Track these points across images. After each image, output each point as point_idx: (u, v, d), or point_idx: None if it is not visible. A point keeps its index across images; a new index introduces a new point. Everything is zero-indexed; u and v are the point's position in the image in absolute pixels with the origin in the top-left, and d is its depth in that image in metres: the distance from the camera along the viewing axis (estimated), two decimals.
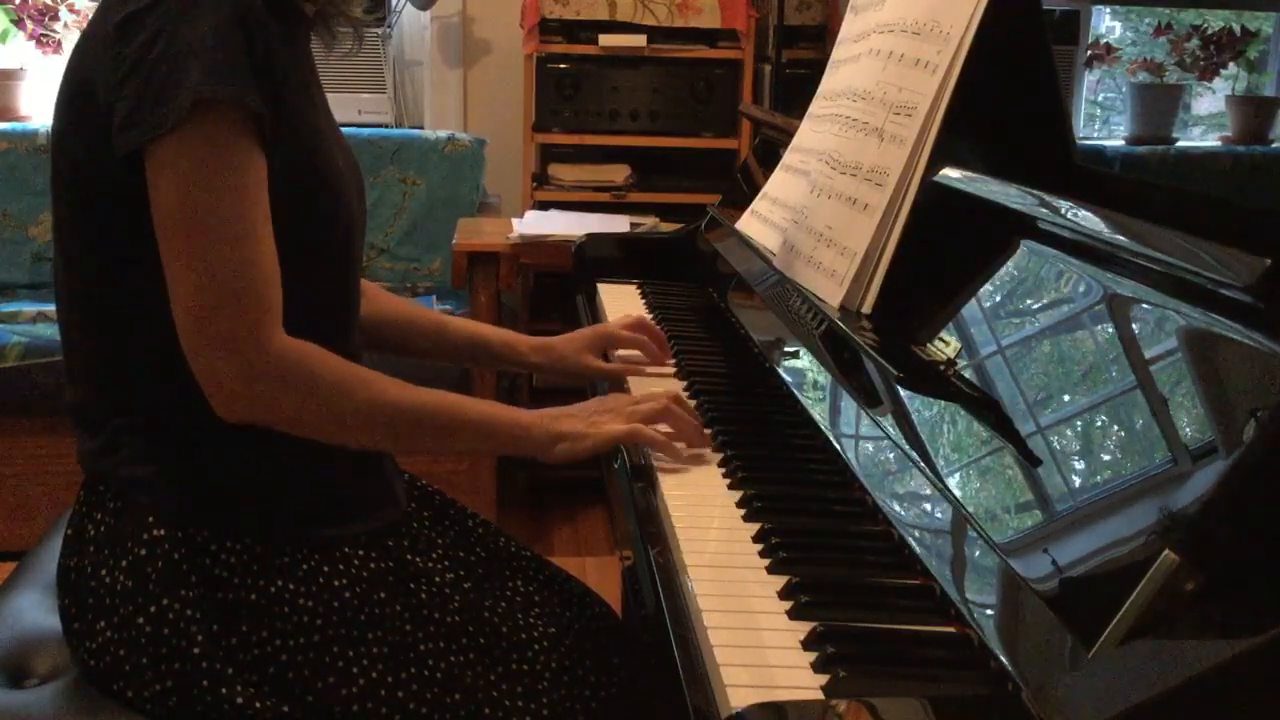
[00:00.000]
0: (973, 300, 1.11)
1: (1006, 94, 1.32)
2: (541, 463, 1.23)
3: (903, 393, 1.10)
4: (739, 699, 0.81)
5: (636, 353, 1.58)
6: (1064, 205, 1.02)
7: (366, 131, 3.29)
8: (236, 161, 1.05)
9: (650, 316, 1.84)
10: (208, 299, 1.05)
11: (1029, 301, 1.05)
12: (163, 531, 1.12)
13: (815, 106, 1.58)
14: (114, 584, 1.13)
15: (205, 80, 1.02)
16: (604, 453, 1.23)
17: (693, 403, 1.42)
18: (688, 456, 1.24)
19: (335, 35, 1.25)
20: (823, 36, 3.31)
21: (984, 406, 0.99)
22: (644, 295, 1.96)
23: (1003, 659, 0.81)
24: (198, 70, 1.02)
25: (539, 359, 1.54)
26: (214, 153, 1.04)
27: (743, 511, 1.12)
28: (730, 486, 1.18)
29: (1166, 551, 0.70)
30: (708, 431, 1.29)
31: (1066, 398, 0.92)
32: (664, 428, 1.25)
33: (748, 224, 1.69)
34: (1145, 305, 0.89)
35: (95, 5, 1.13)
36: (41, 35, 3.39)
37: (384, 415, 1.14)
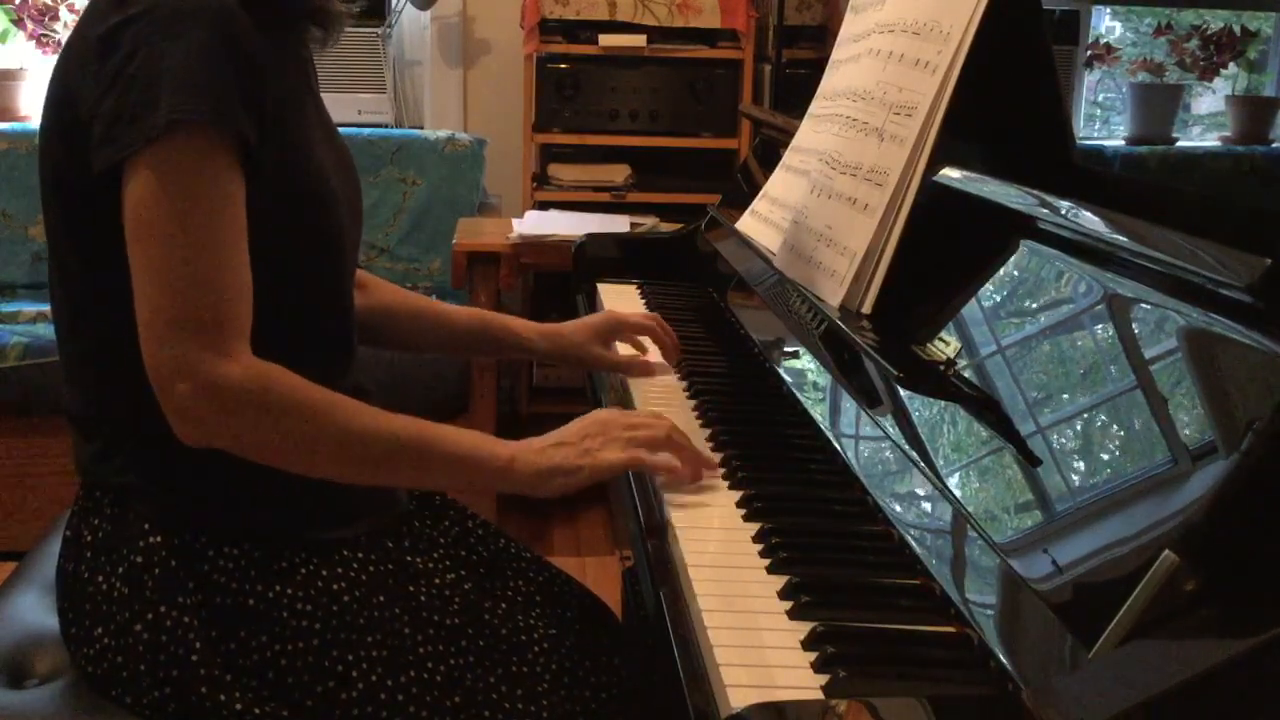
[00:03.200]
0: (973, 300, 1.11)
1: (1006, 94, 1.32)
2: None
3: (903, 393, 1.10)
4: (739, 699, 0.81)
5: (650, 345, 1.56)
6: (1064, 205, 1.02)
7: (366, 131, 3.29)
8: (208, 183, 1.03)
9: (650, 313, 1.84)
10: (166, 319, 1.03)
11: (1029, 301, 1.04)
12: (159, 537, 1.12)
13: (815, 106, 1.58)
14: (111, 590, 1.13)
15: (182, 100, 1.01)
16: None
17: (693, 403, 1.42)
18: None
19: (327, 30, 1.23)
20: (823, 36, 3.31)
21: (984, 406, 0.99)
22: (644, 295, 1.97)
23: (1003, 659, 0.81)
24: (175, 89, 1.01)
25: (545, 345, 1.51)
26: (186, 172, 1.03)
27: (743, 511, 1.12)
28: (730, 486, 1.17)
29: (1166, 551, 0.70)
30: (713, 450, 1.27)
31: (1066, 398, 0.92)
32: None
33: (748, 224, 1.69)
34: (1145, 305, 0.89)
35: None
36: (41, 35, 3.39)
37: (353, 445, 1.09)
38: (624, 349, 1.59)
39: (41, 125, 1.14)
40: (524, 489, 1.13)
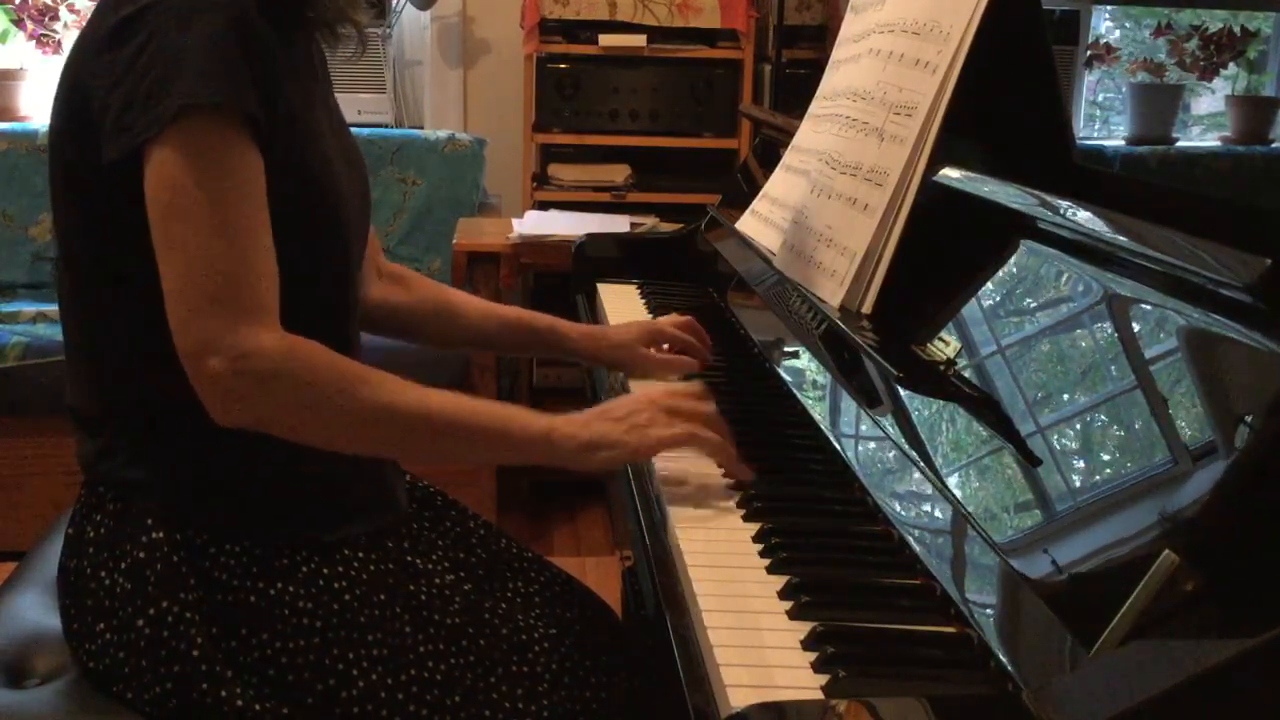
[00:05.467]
0: (973, 300, 1.11)
1: (1006, 94, 1.32)
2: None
3: (903, 393, 1.10)
4: (739, 699, 0.81)
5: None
6: (1064, 205, 1.03)
7: (366, 131, 3.29)
8: (229, 162, 1.05)
9: (650, 317, 1.84)
10: (197, 297, 1.04)
11: (1029, 301, 1.05)
12: (162, 534, 1.12)
13: (815, 106, 1.58)
14: (113, 586, 1.13)
15: (196, 85, 1.02)
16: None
17: None
18: (689, 456, 1.23)
19: (338, 37, 1.25)
20: (823, 36, 3.31)
21: (984, 406, 0.99)
22: (644, 295, 1.96)
23: (1003, 659, 0.81)
24: (189, 75, 1.02)
25: (587, 345, 1.52)
26: (205, 155, 1.04)
27: (743, 511, 1.12)
28: (731, 486, 1.17)
29: (1166, 551, 0.70)
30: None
31: (1066, 398, 0.92)
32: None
33: (748, 224, 1.69)
34: (1145, 305, 0.89)
35: (94, 6, 1.13)
36: (41, 35, 3.38)
37: (388, 418, 1.09)
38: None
39: (51, 122, 1.15)
40: (565, 461, 1.12)
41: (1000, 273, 1.10)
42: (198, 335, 1.04)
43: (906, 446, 1.06)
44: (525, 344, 1.54)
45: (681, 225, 2.23)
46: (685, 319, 1.57)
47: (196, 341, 1.04)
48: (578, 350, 1.53)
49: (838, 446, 1.19)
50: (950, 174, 1.23)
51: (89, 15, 1.13)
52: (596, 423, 1.13)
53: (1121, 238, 0.93)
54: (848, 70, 1.47)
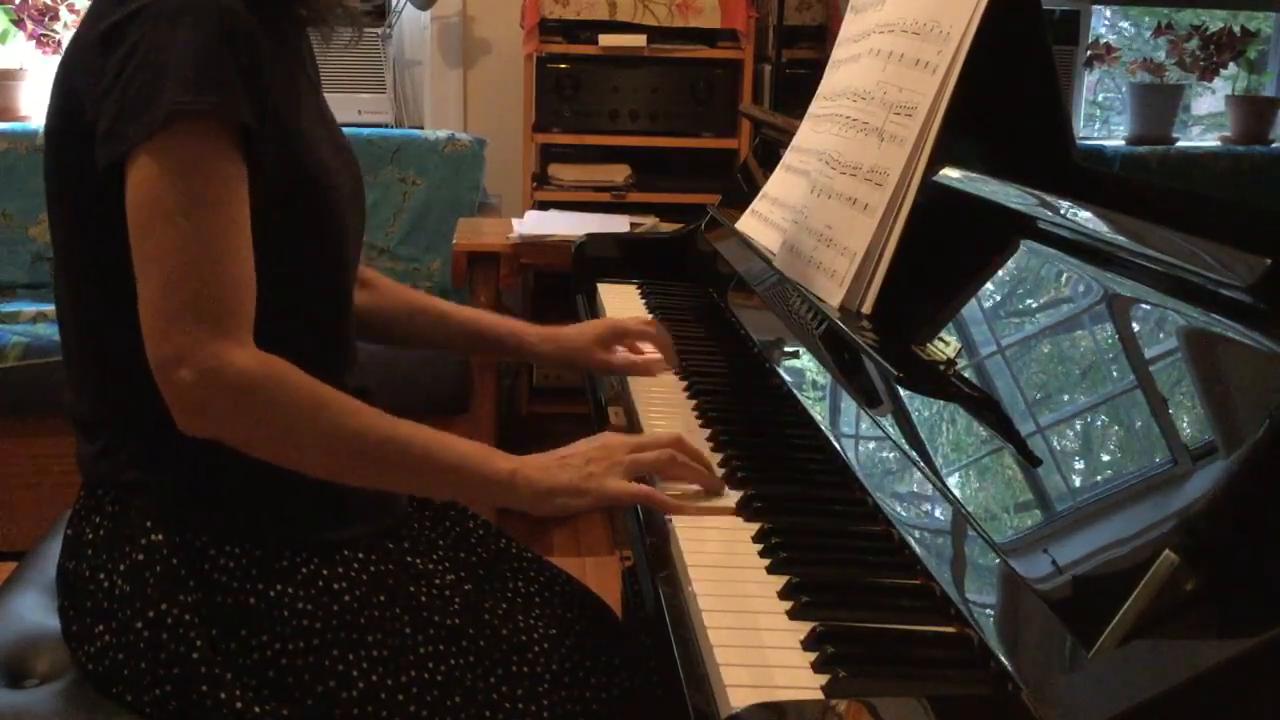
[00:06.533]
0: (973, 300, 1.11)
1: (1006, 94, 1.32)
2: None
3: (903, 393, 1.10)
4: (739, 699, 0.81)
5: (649, 348, 1.56)
6: (1064, 205, 1.02)
7: (366, 131, 3.29)
8: (212, 172, 1.04)
9: (650, 317, 1.84)
10: (169, 307, 1.03)
11: (1029, 301, 1.05)
12: (161, 536, 1.12)
13: (815, 106, 1.58)
14: (112, 588, 1.13)
15: (183, 92, 1.01)
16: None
17: (692, 403, 1.42)
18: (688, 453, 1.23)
19: (333, 30, 1.24)
20: (823, 36, 3.31)
21: (984, 406, 0.99)
22: (644, 295, 1.97)
23: (1003, 659, 0.81)
24: (176, 82, 1.01)
25: (546, 348, 1.51)
26: (188, 163, 1.03)
27: (743, 512, 1.12)
28: (730, 486, 1.17)
29: (1166, 551, 0.70)
30: (713, 450, 1.27)
31: (1066, 398, 0.92)
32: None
33: (748, 224, 1.69)
34: (1145, 305, 0.89)
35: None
36: (41, 35, 3.38)
37: (348, 445, 1.08)
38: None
39: (46, 128, 1.14)
40: (523, 506, 1.13)
41: (1000, 273, 1.10)
42: (168, 346, 1.03)
43: (906, 446, 1.06)
44: (485, 347, 1.54)
45: (681, 225, 2.23)
46: (646, 319, 1.56)
47: (166, 351, 1.03)
48: (539, 354, 1.52)
49: (838, 446, 1.19)
50: (950, 174, 1.23)
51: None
52: (556, 470, 1.12)
53: (1121, 238, 0.93)
54: (848, 70, 1.47)
